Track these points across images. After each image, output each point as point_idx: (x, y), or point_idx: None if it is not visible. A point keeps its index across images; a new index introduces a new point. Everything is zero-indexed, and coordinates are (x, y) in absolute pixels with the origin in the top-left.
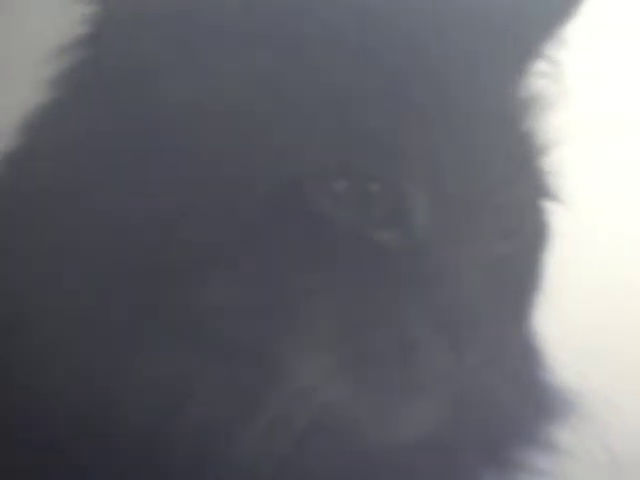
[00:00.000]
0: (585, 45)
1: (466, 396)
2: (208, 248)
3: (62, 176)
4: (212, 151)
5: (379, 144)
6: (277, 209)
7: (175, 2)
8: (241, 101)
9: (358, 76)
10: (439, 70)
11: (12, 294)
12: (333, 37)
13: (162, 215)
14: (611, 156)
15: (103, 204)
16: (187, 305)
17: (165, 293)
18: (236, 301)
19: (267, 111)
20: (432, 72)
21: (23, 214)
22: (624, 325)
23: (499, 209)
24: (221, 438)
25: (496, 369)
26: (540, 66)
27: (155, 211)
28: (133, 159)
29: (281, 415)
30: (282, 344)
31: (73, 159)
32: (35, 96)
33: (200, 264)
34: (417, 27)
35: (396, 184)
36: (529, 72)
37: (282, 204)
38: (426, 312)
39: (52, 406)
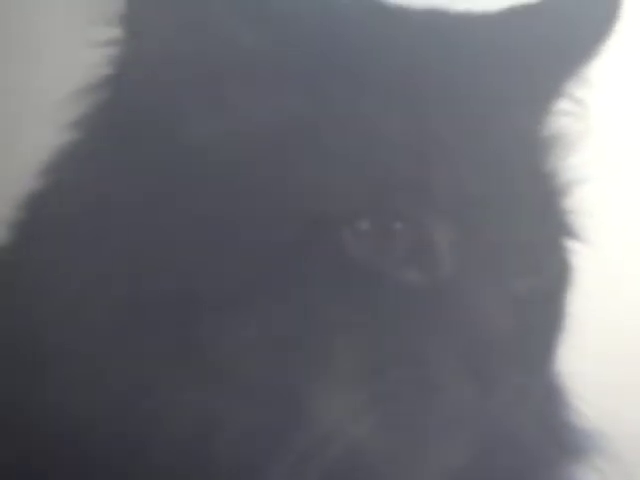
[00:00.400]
0: (607, 83)
1: (491, 438)
2: (233, 288)
3: (84, 218)
4: (238, 191)
5: (403, 182)
6: (302, 249)
7: (203, 44)
8: (271, 143)
9: (384, 114)
10: (465, 108)
11: (34, 331)
12: (360, 77)
13: (190, 253)
14: (634, 194)
15: (126, 246)
16: (213, 346)
17: (191, 334)
18: (261, 341)
19: (295, 152)
20: (458, 110)
21: (46, 255)
22: None
23: (523, 248)
24: (245, 478)
25: (521, 410)
26: (563, 105)
27: (179, 252)
28: (156, 202)
29: (305, 456)
30: (306, 384)
31: (95, 200)
32: (58, 138)
33: (226, 305)
34: (444, 64)
35: (420, 222)
36: (552, 111)
37: (307, 243)
38: (451, 352)
39: (76, 446)
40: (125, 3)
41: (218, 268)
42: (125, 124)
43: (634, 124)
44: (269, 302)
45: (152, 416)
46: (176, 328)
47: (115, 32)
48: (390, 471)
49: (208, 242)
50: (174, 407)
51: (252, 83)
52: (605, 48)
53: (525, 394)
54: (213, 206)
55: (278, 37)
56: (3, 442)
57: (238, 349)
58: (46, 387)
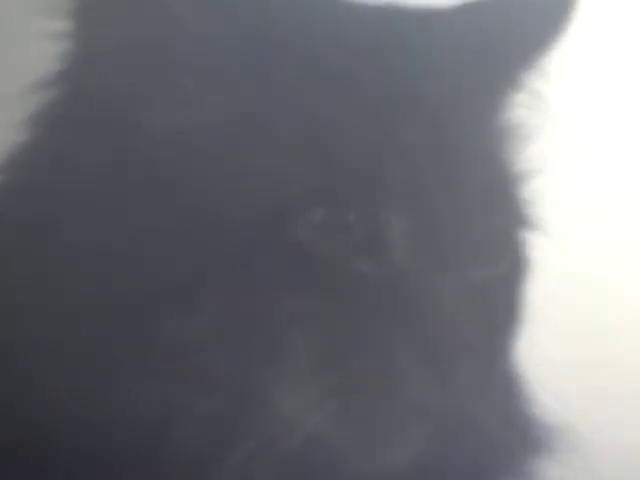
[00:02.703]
0: (564, 74)
1: (450, 427)
2: (188, 279)
3: (43, 212)
4: (193, 182)
5: (356, 173)
6: (257, 239)
7: (155, 33)
8: (223, 132)
9: (338, 106)
10: (419, 100)
11: None
12: (315, 67)
13: (143, 246)
14: (590, 185)
15: (83, 236)
16: (168, 337)
17: (147, 326)
18: (216, 332)
19: (248, 142)
20: (412, 102)
21: (4, 248)
22: (606, 355)
23: (478, 237)
24: (202, 469)
25: (480, 399)
26: (520, 96)
27: (135, 242)
28: (113, 192)
29: (261, 446)
30: (263, 375)
31: (54, 195)
32: (13, 135)
33: (181, 295)
34: (399, 57)
35: (373, 213)
36: (509, 102)
37: (261, 233)
38: (407, 340)
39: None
40: None
41: (172, 260)
42: (81, 118)
43: (594, 115)
44: (222, 294)
45: (113, 406)
46: (132, 319)
47: (68, 24)
48: (349, 459)
49: (161, 234)
50: (134, 397)
51: (204, 73)
52: (563, 40)
53: (483, 383)
54: (166, 198)
55: (231, 26)
56: None
57: (193, 340)
58: (7, 377)
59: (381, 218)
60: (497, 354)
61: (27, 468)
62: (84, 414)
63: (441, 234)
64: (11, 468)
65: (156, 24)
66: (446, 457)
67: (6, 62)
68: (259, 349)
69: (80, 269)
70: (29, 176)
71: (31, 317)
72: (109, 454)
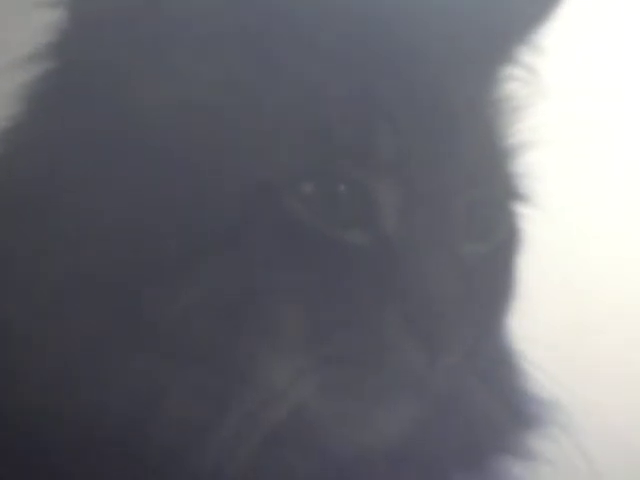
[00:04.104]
0: (559, 49)
1: (440, 400)
2: (176, 250)
3: (35, 184)
4: (181, 152)
5: (347, 145)
6: (246, 211)
7: (149, 5)
8: (209, 102)
9: (326, 77)
10: (409, 70)
11: None
12: (301, 37)
13: (131, 217)
14: (585, 160)
15: (75, 213)
16: (157, 312)
17: (136, 300)
18: (204, 303)
19: (235, 112)
20: (401, 72)
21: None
22: (599, 333)
23: (469, 209)
24: (190, 441)
25: (471, 373)
26: (514, 70)
27: (124, 212)
28: (103, 163)
29: (248, 417)
30: (251, 346)
31: (46, 167)
32: (5, 108)
33: (168, 267)
34: (386, 27)
35: (364, 184)
36: (502, 76)
37: (251, 206)
38: (397, 312)
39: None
40: None
41: (160, 233)
42: (71, 90)
43: (588, 90)
44: (212, 268)
45: (100, 381)
46: (121, 294)
47: None
48: (337, 433)
49: (151, 206)
50: (121, 371)
51: (195, 45)
52: (556, 15)
53: (474, 358)
54: (158, 173)
55: (224, 1)
56: None
57: (182, 314)
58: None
59: (372, 189)
60: (489, 328)
61: (15, 440)
62: (72, 389)
63: (432, 206)
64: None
65: None
66: (436, 431)
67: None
68: (247, 320)
69: (70, 240)
70: (23, 152)
71: (22, 297)
72: (97, 429)
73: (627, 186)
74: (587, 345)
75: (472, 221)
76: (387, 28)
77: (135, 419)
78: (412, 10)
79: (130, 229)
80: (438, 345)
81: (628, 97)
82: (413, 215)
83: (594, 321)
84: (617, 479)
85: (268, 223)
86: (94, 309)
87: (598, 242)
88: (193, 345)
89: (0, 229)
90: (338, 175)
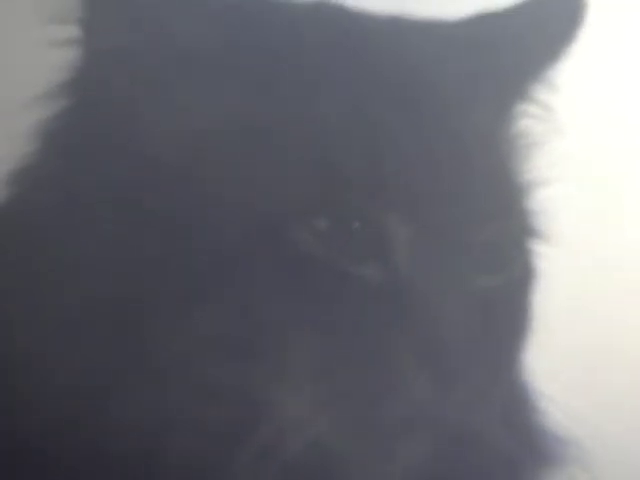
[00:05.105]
0: (574, 86)
1: (453, 436)
2: (190, 286)
3: (47, 222)
4: (194, 190)
5: (358, 181)
6: (259, 247)
7: (155, 43)
8: (223, 140)
9: (341, 114)
10: (422, 106)
11: None
12: (314, 76)
13: (144, 251)
14: (600, 197)
15: (81, 244)
16: (167, 346)
17: (145, 334)
18: (219, 338)
19: (248, 150)
20: (415, 108)
21: (6, 258)
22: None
23: (482, 246)
24: (202, 475)
25: (485, 409)
26: (529, 107)
27: (126, 247)
28: (114, 199)
29: (261, 452)
30: (264, 380)
31: (59, 204)
32: (20, 147)
33: (182, 302)
34: (399, 62)
35: (377, 219)
36: (517, 112)
37: (264, 242)
38: (410, 348)
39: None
40: (81, 2)
41: (173, 269)
42: (83, 131)
43: (601, 126)
44: (223, 301)
45: (113, 411)
46: (132, 325)
47: (73, 32)
48: (351, 468)
49: (162, 238)
50: (135, 402)
51: (203, 82)
52: (570, 52)
53: (487, 394)
54: (167, 207)
55: (231, 36)
56: None
57: (192, 348)
58: (7, 381)
59: (383, 224)
60: (503, 364)
61: (25, 471)
62: (84, 419)
63: (446, 242)
64: (9, 471)
65: (155, 31)
66: (449, 467)
67: (11, 72)
68: (261, 354)
69: (80, 277)
70: (37, 190)
71: (32, 324)
72: (109, 458)
73: None
74: (605, 380)
75: (486, 256)
76: (399, 63)
77: (145, 451)
78: (426, 46)
79: (131, 263)
80: (449, 381)
81: None
82: (425, 250)
83: (612, 356)
84: None
85: (281, 257)
86: (105, 339)
87: (614, 277)
88: (205, 378)
89: (9, 263)
90: (348, 209)
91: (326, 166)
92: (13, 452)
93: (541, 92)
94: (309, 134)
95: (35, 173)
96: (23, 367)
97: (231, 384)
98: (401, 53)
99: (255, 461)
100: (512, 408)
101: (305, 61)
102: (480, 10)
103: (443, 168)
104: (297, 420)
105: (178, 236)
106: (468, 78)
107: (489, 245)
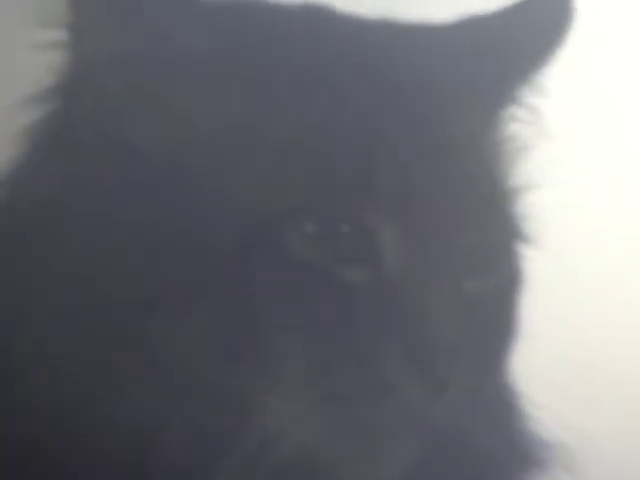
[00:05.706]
0: (562, 90)
1: (442, 438)
2: (178, 290)
3: (37, 228)
4: (183, 194)
5: (348, 184)
6: (247, 250)
7: (147, 47)
8: (212, 145)
9: (330, 118)
10: (410, 109)
11: None
12: (306, 79)
13: (134, 259)
14: (588, 201)
15: (78, 252)
16: (158, 348)
17: (134, 333)
18: (205, 341)
19: (237, 154)
20: (402, 111)
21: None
22: (603, 371)
23: (470, 249)
24: (195, 478)
25: (473, 412)
26: (517, 111)
27: (125, 252)
28: (103, 202)
29: (249, 456)
30: (251, 384)
31: (47, 212)
32: (8, 149)
33: (171, 307)
34: (393, 72)
35: (366, 223)
36: (505, 116)
37: (252, 246)
38: (398, 351)
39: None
40: (69, 5)
41: (165, 271)
42: (72, 133)
43: (590, 130)
44: (213, 303)
45: (100, 414)
46: (121, 327)
47: (61, 35)
48: (340, 471)
49: (152, 242)
50: (122, 405)
51: (194, 86)
52: (559, 56)
53: (476, 395)
54: (159, 210)
55: (223, 40)
56: None
57: (182, 349)
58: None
59: (372, 227)
60: (490, 366)
61: (25, 471)
62: (72, 420)
63: (434, 245)
64: (9, 471)
65: (147, 35)
66: (436, 469)
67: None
68: (248, 358)
69: (71, 280)
70: (24, 193)
71: (30, 324)
72: (97, 461)
73: (631, 227)
74: (591, 384)
75: (473, 259)
76: (388, 66)
77: (132, 455)
78: (415, 50)
79: (129, 265)
80: (438, 382)
81: (631, 138)
82: (414, 252)
83: (598, 360)
84: None
85: (268, 261)
86: (93, 341)
87: (601, 281)
88: (193, 382)
89: (2, 266)
90: (339, 212)
91: (313, 169)
92: (13, 452)
93: (529, 96)
94: (300, 138)
95: (21, 177)
96: (23, 367)
97: (220, 386)
98: (390, 56)
99: (240, 467)
100: (498, 411)
101: (299, 65)
102: (469, 13)
103: (431, 171)
104: (286, 423)
105: (171, 239)
106: (456, 81)
107: (477, 248)
